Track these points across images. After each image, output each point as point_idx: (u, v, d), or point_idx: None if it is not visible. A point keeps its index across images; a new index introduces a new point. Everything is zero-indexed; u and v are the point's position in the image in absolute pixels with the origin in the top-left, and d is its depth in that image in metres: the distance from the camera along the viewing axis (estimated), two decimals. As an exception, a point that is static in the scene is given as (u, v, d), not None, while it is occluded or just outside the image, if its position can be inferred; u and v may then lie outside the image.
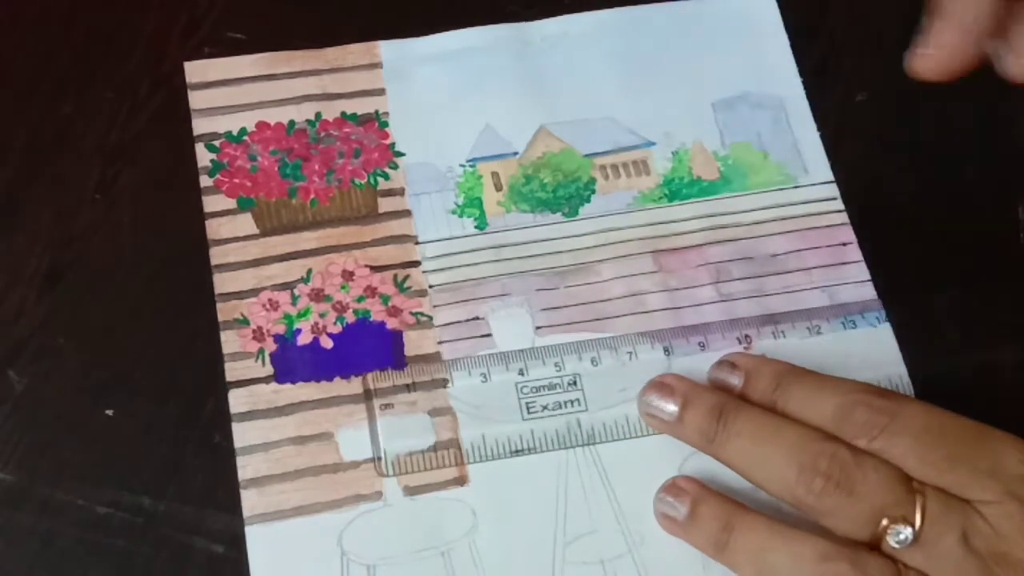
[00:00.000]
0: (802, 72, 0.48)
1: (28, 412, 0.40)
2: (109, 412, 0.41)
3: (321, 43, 0.47)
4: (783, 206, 0.45)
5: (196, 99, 0.46)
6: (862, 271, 0.44)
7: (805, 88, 0.47)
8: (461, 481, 0.40)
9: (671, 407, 0.39)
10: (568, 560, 0.39)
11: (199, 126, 0.45)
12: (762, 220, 0.45)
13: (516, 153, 0.46)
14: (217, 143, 0.45)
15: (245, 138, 0.45)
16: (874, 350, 0.42)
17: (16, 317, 0.41)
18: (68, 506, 0.39)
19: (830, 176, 0.46)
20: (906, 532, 0.34)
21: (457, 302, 0.43)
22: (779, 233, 0.45)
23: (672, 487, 0.38)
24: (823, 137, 0.47)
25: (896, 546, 0.34)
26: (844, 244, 0.45)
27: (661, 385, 0.39)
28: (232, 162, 0.45)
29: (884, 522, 0.34)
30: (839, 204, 0.46)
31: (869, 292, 0.44)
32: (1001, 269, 0.44)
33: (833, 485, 0.35)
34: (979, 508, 0.34)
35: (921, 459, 0.35)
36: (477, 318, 0.43)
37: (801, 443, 0.36)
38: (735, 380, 0.39)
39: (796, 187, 0.46)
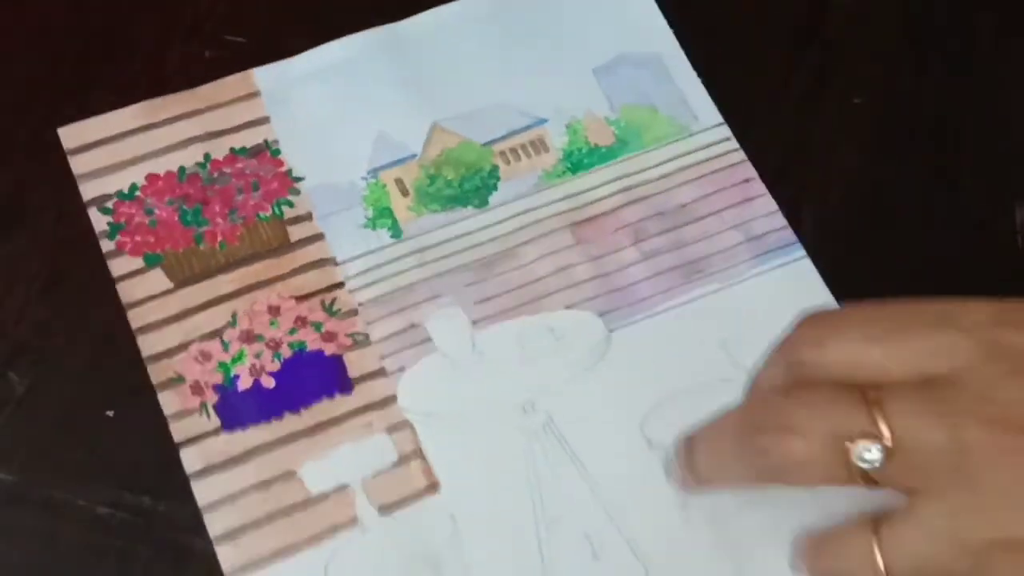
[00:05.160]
0: (801, 75, 0.48)
1: (29, 413, 0.40)
2: (109, 413, 0.40)
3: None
4: (682, 156, 0.46)
5: (78, 164, 0.44)
6: (769, 203, 0.45)
7: (799, 89, 0.48)
8: (433, 488, 0.40)
9: None
10: (553, 543, 0.39)
11: (87, 191, 0.44)
12: (666, 173, 0.46)
13: (415, 155, 0.46)
14: (110, 204, 0.44)
15: (137, 193, 0.44)
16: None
17: (17, 319, 0.41)
18: (68, 506, 0.39)
19: (719, 119, 0.47)
20: (873, 449, 0.29)
21: (390, 314, 0.43)
22: (684, 183, 0.46)
23: None
24: (825, 139, 0.47)
25: (869, 467, 0.29)
26: (747, 180, 0.46)
27: None
28: (129, 220, 0.43)
29: (846, 446, 0.29)
30: (734, 143, 0.46)
31: (780, 222, 0.45)
32: (1000, 272, 0.44)
33: (772, 435, 0.30)
34: (956, 379, 0.28)
35: (867, 355, 0.30)
36: (413, 326, 0.43)
37: (740, 421, 0.33)
38: None
39: (690, 135, 0.47)
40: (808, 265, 0.44)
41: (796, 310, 0.34)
